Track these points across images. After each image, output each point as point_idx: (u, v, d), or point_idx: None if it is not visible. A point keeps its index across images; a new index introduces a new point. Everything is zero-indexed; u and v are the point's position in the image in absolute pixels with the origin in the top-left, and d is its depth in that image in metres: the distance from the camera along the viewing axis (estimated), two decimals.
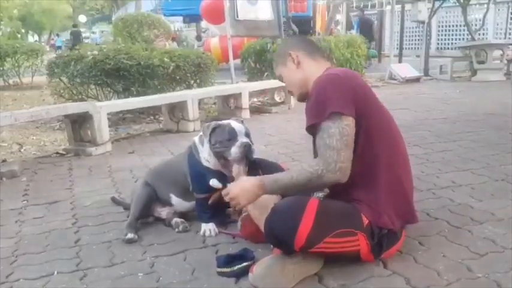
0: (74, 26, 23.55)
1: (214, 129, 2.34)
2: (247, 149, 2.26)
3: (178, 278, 1.97)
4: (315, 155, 1.98)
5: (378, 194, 1.92)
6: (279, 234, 1.80)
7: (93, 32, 36.62)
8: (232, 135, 2.28)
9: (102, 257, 2.19)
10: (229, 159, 2.29)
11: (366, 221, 1.87)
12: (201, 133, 2.43)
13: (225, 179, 2.36)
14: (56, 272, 2.05)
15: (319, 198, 1.96)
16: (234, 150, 2.25)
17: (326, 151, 1.81)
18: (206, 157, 2.38)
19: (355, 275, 1.88)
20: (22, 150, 4.78)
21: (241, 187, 1.95)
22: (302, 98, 2.11)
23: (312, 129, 1.90)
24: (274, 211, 1.84)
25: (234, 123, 2.36)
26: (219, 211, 2.48)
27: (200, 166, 2.39)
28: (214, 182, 2.35)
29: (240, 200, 1.93)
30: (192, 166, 2.42)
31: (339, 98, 1.82)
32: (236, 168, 2.26)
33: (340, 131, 1.79)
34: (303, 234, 1.75)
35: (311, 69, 2.06)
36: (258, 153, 2.37)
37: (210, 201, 2.42)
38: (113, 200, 2.93)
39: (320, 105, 1.83)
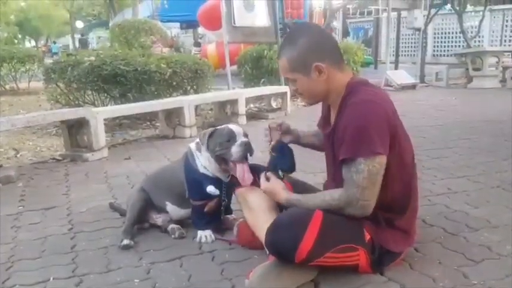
0: (81, 35, 27.80)
1: (211, 135, 2.34)
2: (247, 147, 2.26)
3: (174, 284, 1.97)
4: (328, 172, 2.04)
5: (410, 221, 1.95)
6: (280, 247, 1.79)
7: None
8: (231, 136, 2.28)
9: (98, 263, 2.18)
10: (231, 161, 2.27)
11: (367, 237, 1.86)
12: (198, 140, 2.42)
13: (222, 185, 2.37)
14: (52, 278, 2.05)
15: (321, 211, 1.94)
16: (235, 150, 2.25)
17: (351, 187, 1.78)
18: (204, 163, 2.38)
19: (351, 282, 1.88)
20: (18, 155, 4.76)
21: (272, 187, 2.03)
22: (313, 104, 2.06)
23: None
24: (277, 223, 1.83)
25: (231, 126, 2.37)
26: (214, 218, 2.47)
27: (197, 173, 2.38)
28: (211, 189, 2.35)
29: (268, 195, 2.05)
30: (188, 173, 2.42)
31: (379, 137, 1.74)
32: (241, 168, 2.24)
33: (370, 169, 1.74)
34: (304, 249, 1.74)
35: (336, 81, 1.90)
36: (255, 159, 2.37)
37: (206, 209, 2.41)
38: (111, 205, 2.92)
39: (359, 141, 1.75)
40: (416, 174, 2.04)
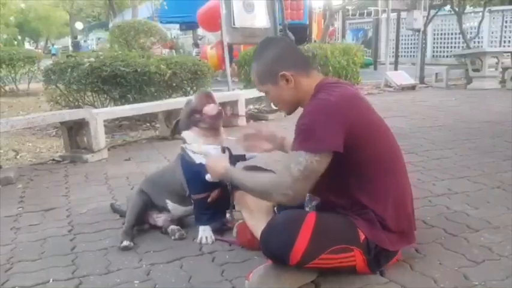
0: (75, 37, 29.63)
1: (182, 114, 2.49)
2: (206, 93, 2.47)
3: (174, 285, 1.96)
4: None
5: (386, 212, 1.90)
6: (274, 250, 1.79)
7: (85, 41, 36.59)
8: (189, 100, 2.51)
9: (98, 264, 2.18)
10: (200, 115, 2.39)
11: (362, 237, 1.85)
12: (182, 135, 2.52)
13: None
14: (51, 280, 2.04)
15: (315, 211, 1.94)
16: (195, 100, 2.44)
17: (285, 175, 1.79)
18: (196, 150, 2.42)
19: (352, 283, 1.88)
20: (18, 157, 4.76)
21: (215, 162, 2.17)
22: (291, 113, 2.09)
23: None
24: (271, 226, 1.83)
25: (191, 97, 2.58)
26: (217, 213, 2.48)
27: (193, 165, 2.40)
28: (209, 176, 2.33)
29: (210, 169, 2.17)
30: (185, 167, 2.43)
31: (324, 133, 1.76)
32: (207, 109, 2.39)
33: (307, 164, 1.74)
34: (298, 251, 1.73)
35: (304, 87, 1.95)
36: (253, 161, 2.38)
37: (209, 200, 2.41)
38: (112, 207, 2.92)
39: (303, 135, 1.80)
40: (400, 169, 2.00)
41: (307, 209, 2.09)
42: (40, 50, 33.43)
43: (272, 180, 1.86)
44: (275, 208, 2.21)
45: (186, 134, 2.47)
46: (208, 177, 2.30)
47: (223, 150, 2.42)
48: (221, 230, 2.49)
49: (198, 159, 2.40)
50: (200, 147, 2.41)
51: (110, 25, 16.86)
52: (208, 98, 2.43)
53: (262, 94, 2.12)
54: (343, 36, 17.46)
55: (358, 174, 1.87)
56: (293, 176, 1.76)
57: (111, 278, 2.04)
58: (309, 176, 1.77)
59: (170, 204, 2.53)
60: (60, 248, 2.39)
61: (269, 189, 1.85)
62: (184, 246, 2.34)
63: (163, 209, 2.54)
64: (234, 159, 2.43)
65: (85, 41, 36.34)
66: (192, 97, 2.55)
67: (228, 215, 2.54)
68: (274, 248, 1.78)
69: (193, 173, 2.39)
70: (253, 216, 2.11)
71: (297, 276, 1.84)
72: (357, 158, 1.83)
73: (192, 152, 2.43)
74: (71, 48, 31.51)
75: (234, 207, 2.48)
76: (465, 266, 2.01)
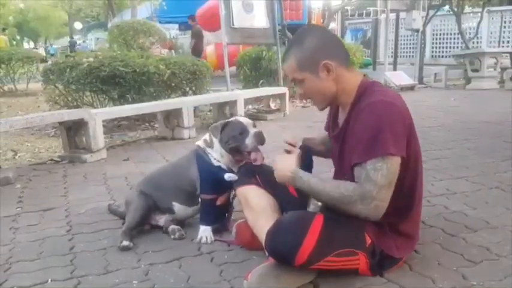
0: (71, 37, 30.71)
1: (223, 128, 2.40)
2: (260, 137, 2.34)
3: (173, 285, 1.96)
4: (335, 177, 1.98)
5: (414, 225, 1.92)
6: (280, 250, 1.78)
7: (84, 41, 36.57)
8: (243, 129, 2.36)
9: (97, 264, 2.17)
10: (246, 152, 2.34)
11: (368, 241, 1.84)
12: (205, 137, 2.49)
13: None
14: (50, 280, 2.04)
15: (321, 212, 1.93)
16: (249, 141, 2.32)
17: (367, 183, 1.71)
18: (217, 157, 2.43)
19: (351, 284, 1.88)
20: (17, 157, 4.76)
21: (282, 164, 1.95)
22: (324, 108, 2.01)
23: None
24: (278, 226, 1.82)
25: (240, 118, 2.47)
26: (221, 216, 2.50)
27: (211, 166, 2.42)
28: (230, 176, 2.37)
29: (276, 173, 1.96)
30: (202, 167, 2.44)
31: (395, 138, 1.71)
32: (254, 157, 2.32)
33: (389, 167, 1.69)
34: (305, 252, 1.73)
35: (345, 82, 1.87)
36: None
37: (218, 202, 2.44)
38: (109, 208, 2.91)
39: (374, 143, 1.70)
40: (421, 178, 1.98)
41: (311, 207, 2.09)
42: (39, 49, 33.60)
43: (355, 190, 1.73)
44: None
45: (216, 147, 2.43)
46: (227, 176, 2.35)
47: (301, 148, 2.17)
48: (220, 230, 2.49)
49: (215, 162, 2.43)
50: (222, 162, 2.42)
51: (109, 25, 16.85)
52: (262, 141, 2.35)
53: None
54: (342, 37, 17.44)
55: (401, 182, 1.80)
56: (378, 184, 1.69)
57: (109, 278, 2.04)
58: (392, 181, 1.72)
59: (177, 206, 2.52)
60: (58, 248, 2.39)
61: (353, 200, 1.73)
62: (183, 246, 2.34)
63: (167, 210, 2.54)
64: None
65: (84, 41, 36.32)
66: (246, 123, 2.40)
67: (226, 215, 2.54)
68: (281, 247, 1.77)
69: (209, 172, 2.42)
70: (255, 214, 2.09)
71: (296, 277, 1.84)
72: (404, 166, 1.79)
73: (212, 157, 2.44)
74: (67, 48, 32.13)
75: (233, 208, 2.49)
76: (463, 266, 2.01)
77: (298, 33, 1.94)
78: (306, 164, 2.08)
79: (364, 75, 1.96)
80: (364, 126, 1.75)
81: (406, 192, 1.88)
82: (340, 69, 1.85)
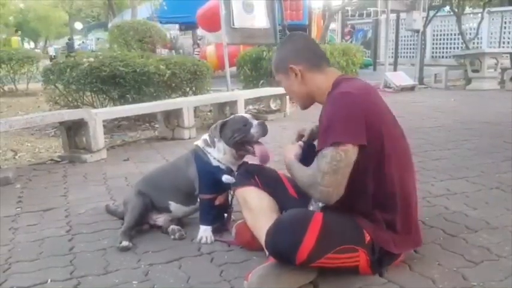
0: (69, 39, 31.48)
1: (223, 125, 2.42)
2: (265, 127, 2.38)
3: (173, 285, 1.96)
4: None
5: (395, 215, 1.91)
6: (280, 249, 1.79)
7: (83, 42, 36.54)
8: (246, 121, 2.39)
9: (97, 264, 2.17)
10: (253, 142, 2.36)
11: (367, 238, 1.86)
12: (204, 137, 2.49)
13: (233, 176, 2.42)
14: (49, 280, 2.04)
15: (321, 211, 1.94)
16: (255, 130, 2.35)
17: (314, 170, 1.82)
18: (217, 157, 2.43)
19: (351, 283, 1.88)
20: (17, 157, 4.76)
21: (288, 148, 2.11)
22: (306, 107, 2.12)
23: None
24: (278, 225, 1.83)
25: (240, 114, 2.47)
26: (220, 215, 2.50)
27: (210, 166, 2.43)
28: (227, 178, 2.38)
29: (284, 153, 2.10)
30: (201, 167, 2.44)
31: (347, 126, 1.78)
32: (260, 148, 2.34)
33: (333, 155, 1.75)
34: (305, 251, 1.73)
35: (316, 83, 2.00)
36: (254, 160, 2.38)
37: (216, 202, 2.44)
38: (107, 208, 2.91)
39: (326, 132, 1.81)
40: (411, 169, 2.02)
41: (310, 208, 2.09)
42: (49, 48, 33.83)
43: (309, 177, 1.86)
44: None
45: (218, 146, 2.44)
46: (225, 178, 2.35)
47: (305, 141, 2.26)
48: (220, 230, 2.48)
49: (215, 162, 2.43)
50: (223, 161, 2.43)
51: (109, 25, 16.84)
52: (266, 131, 2.39)
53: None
54: (343, 37, 17.44)
55: (377, 170, 1.86)
56: (321, 170, 1.78)
57: (109, 279, 2.04)
58: (336, 169, 1.76)
59: (173, 205, 2.53)
60: (58, 248, 2.39)
61: (305, 185, 1.88)
62: (183, 247, 2.34)
63: (164, 209, 2.54)
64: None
65: (83, 42, 36.30)
66: (248, 116, 2.45)
67: (225, 215, 2.54)
68: (281, 246, 1.78)
69: (207, 172, 2.42)
70: (254, 215, 2.10)
71: (296, 277, 1.84)
72: (376, 153, 1.84)
73: (211, 156, 2.44)
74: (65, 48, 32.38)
75: (232, 208, 2.49)
76: (464, 266, 2.01)
77: (283, 39, 2.11)
78: (305, 156, 2.11)
79: (345, 74, 2.08)
80: (323, 118, 1.89)
81: (381, 181, 1.88)
82: (309, 72, 2.00)
